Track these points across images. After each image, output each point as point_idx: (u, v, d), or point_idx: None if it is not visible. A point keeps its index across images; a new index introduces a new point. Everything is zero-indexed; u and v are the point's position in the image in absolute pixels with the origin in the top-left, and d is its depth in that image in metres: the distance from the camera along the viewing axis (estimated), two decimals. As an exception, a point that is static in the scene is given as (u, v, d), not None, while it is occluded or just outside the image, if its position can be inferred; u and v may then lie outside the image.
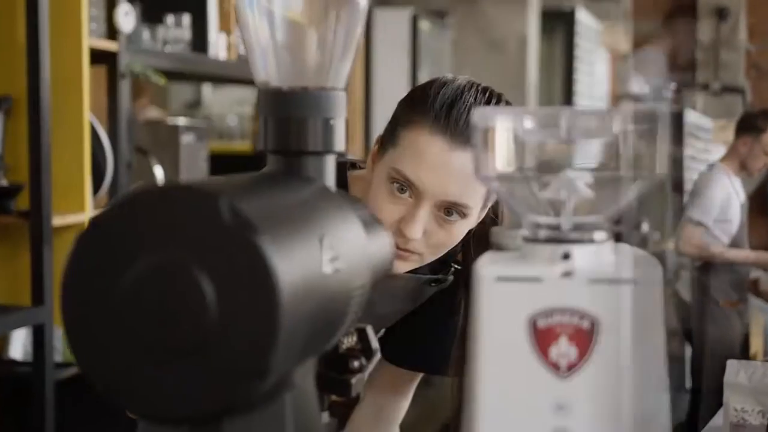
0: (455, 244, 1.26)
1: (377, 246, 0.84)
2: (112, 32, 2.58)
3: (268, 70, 0.82)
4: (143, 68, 2.61)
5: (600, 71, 8.55)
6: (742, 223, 4.35)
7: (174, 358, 0.60)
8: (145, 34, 2.84)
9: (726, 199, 4.24)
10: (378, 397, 1.50)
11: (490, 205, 1.29)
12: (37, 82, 2.29)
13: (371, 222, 0.85)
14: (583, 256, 0.69)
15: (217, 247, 0.60)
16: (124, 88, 2.60)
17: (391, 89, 3.95)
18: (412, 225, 1.20)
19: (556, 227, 0.71)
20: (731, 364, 1.98)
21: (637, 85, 4.98)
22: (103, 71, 2.59)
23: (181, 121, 3.06)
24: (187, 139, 2.91)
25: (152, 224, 0.62)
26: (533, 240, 0.71)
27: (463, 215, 1.21)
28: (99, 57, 2.55)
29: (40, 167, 2.28)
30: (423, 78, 6.18)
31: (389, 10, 5.60)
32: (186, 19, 2.94)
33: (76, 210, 2.45)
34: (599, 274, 0.68)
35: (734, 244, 4.29)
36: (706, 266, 4.31)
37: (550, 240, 0.70)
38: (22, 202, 2.34)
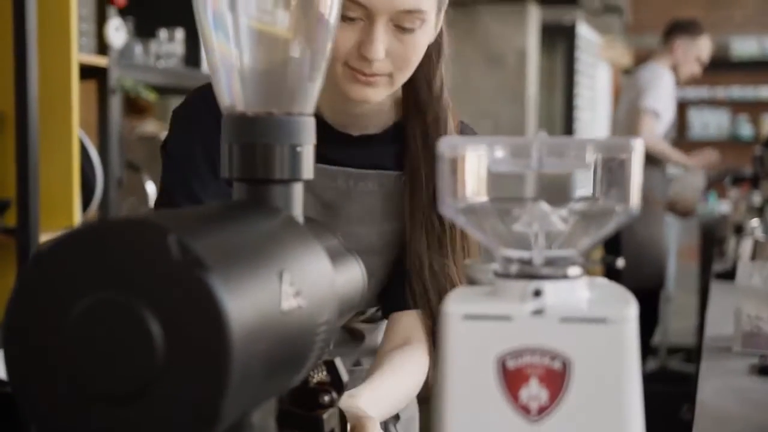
0: (420, 56, 1.21)
1: (346, 277, 0.80)
2: (102, 47, 2.55)
3: (233, 94, 0.79)
4: (134, 84, 2.58)
5: (601, 84, 8.53)
6: (673, 122, 4.52)
7: (118, 402, 0.57)
8: (138, 48, 2.82)
9: (669, 92, 4.33)
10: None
11: (444, 8, 1.26)
12: (26, 97, 2.27)
13: (340, 252, 0.82)
14: (555, 292, 0.66)
15: (165, 285, 0.57)
16: (115, 103, 2.57)
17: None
18: (371, 45, 1.16)
19: (528, 261, 0.68)
20: (743, 266, 1.87)
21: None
22: (93, 86, 2.56)
23: (175, 136, 3.02)
24: (180, 154, 2.88)
25: (98, 260, 0.59)
26: (504, 275, 0.68)
27: (420, 21, 1.17)
28: (89, 72, 2.53)
29: (28, 183, 2.25)
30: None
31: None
32: (179, 33, 2.92)
33: (65, 227, 2.42)
34: (571, 312, 0.64)
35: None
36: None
37: (521, 275, 0.67)
38: (9, 218, 2.31)
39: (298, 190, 0.78)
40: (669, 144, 4.45)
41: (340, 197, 1.28)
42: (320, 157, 1.23)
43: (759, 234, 2.85)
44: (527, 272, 0.67)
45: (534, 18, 5.39)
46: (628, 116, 4.41)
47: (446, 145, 0.68)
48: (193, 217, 0.67)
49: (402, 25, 1.17)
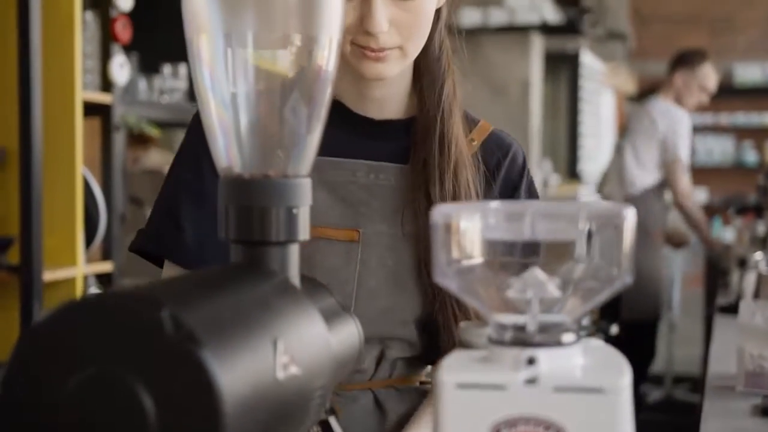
0: (428, 23, 1.16)
1: (341, 338, 0.81)
2: (106, 84, 2.57)
3: (230, 156, 0.80)
4: (137, 120, 2.59)
5: (605, 111, 8.55)
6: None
7: (111, 477, 0.57)
8: (142, 84, 2.83)
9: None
10: None
11: None
12: (30, 134, 2.28)
13: (335, 312, 0.82)
14: (549, 360, 0.66)
15: (158, 360, 0.58)
16: (118, 140, 2.58)
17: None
18: (372, 18, 1.11)
19: (522, 328, 0.68)
20: (745, 305, 1.85)
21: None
22: (97, 123, 2.57)
23: (178, 170, 3.03)
24: (183, 188, 2.88)
25: (92, 334, 0.59)
26: (498, 342, 0.68)
27: None
28: (93, 109, 2.54)
29: (31, 221, 2.26)
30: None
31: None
32: (183, 69, 2.94)
33: (68, 264, 2.43)
34: (565, 381, 0.64)
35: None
36: (643, 196, 4.32)
37: (515, 342, 0.67)
38: (13, 256, 2.32)
39: (294, 251, 0.79)
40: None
41: (361, 191, 1.22)
42: (340, 146, 1.23)
43: (763, 268, 2.85)
44: (521, 339, 0.67)
45: (537, 47, 5.41)
46: (661, 166, 4.37)
47: (439, 213, 0.68)
48: (187, 285, 0.67)
49: None
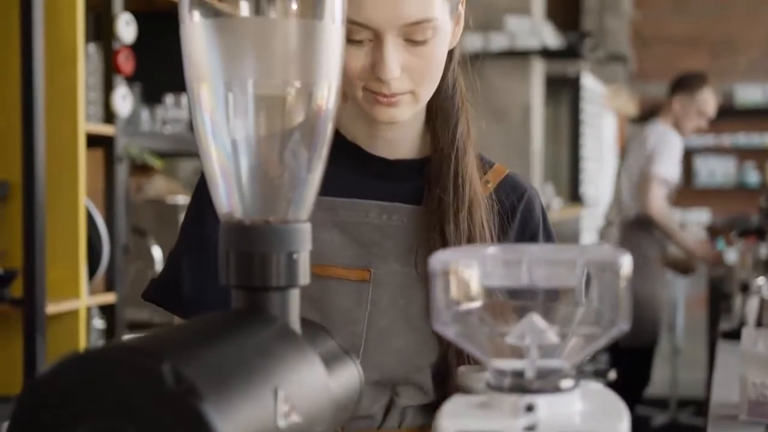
0: (441, 67, 1.15)
1: (341, 382, 0.81)
2: (109, 115, 2.58)
3: (231, 202, 0.80)
4: (140, 151, 2.61)
5: (607, 134, 8.57)
6: (678, 183, 4.49)
7: None
8: (144, 114, 2.85)
9: (678, 157, 4.36)
10: None
11: (461, 6, 1.19)
12: (33, 167, 2.29)
13: (336, 355, 0.83)
14: (548, 406, 0.66)
15: (159, 414, 0.58)
16: (121, 171, 2.60)
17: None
18: (384, 65, 1.10)
19: (521, 373, 0.68)
20: (747, 333, 1.84)
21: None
22: (100, 154, 2.59)
23: (182, 199, 3.05)
24: (186, 217, 2.90)
25: (93, 388, 0.59)
26: (497, 388, 0.68)
27: (432, 31, 1.11)
28: (96, 140, 2.56)
29: (35, 254, 2.27)
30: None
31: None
32: (185, 98, 2.95)
33: (71, 296, 2.43)
34: (565, 428, 0.65)
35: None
36: (639, 221, 4.31)
37: (514, 389, 0.67)
38: (16, 289, 2.33)
39: (294, 296, 0.79)
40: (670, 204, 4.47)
41: (373, 232, 1.21)
42: (353, 187, 1.23)
43: (766, 293, 2.84)
44: (519, 386, 0.67)
45: (538, 72, 5.43)
46: (639, 179, 4.42)
47: (438, 260, 0.69)
48: (188, 335, 0.68)
49: (413, 38, 1.11)
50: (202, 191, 1.23)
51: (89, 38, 2.62)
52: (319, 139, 0.81)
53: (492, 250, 0.71)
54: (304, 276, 0.79)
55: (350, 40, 1.11)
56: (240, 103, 0.79)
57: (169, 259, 1.25)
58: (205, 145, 0.80)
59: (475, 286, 0.69)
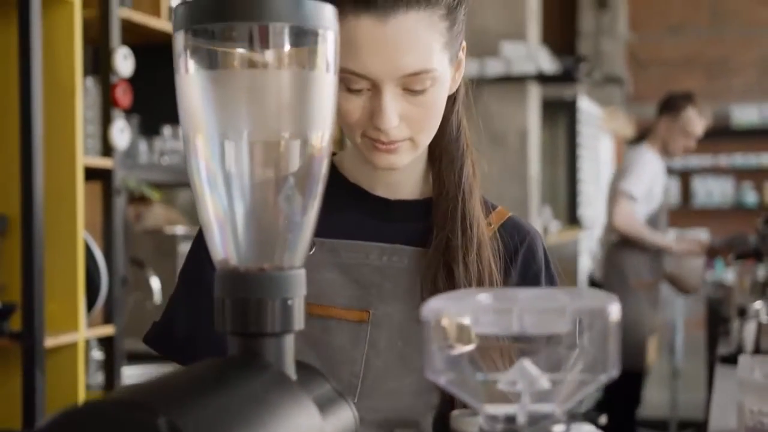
0: (440, 114, 1.16)
1: (336, 426, 0.82)
2: (107, 148, 2.60)
3: (226, 249, 0.82)
4: (138, 183, 2.62)
5: (604, 155, 8.60)
6: (662, 205, 4.42)
7: None
8: (142, 146, 2.87)
9: (653, 176, 4.32)
10: None
11: (461, 53, 1.19)
12: (31, 201, 2.31)
13: (331, 399, 0.84)
14: (540, 452, 0.67)
15: (155, 468, 0.59)
16: (119, 204, 2.61)
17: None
18: (382, 115, 1.10)
19: (512, 419, 0.69)
20: (744, 360, 1.84)
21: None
22: (98, 187, 2.60)
23: (180, 229, 3.06)
24: (185, 248, 2.91)
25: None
26: (490, 434, 0.69)
27: (431, 80, 1.12)
28: (94, 173, 2.57)
29: (33, 289, 2.28)
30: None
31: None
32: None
33: (70, 329, 2.44)
34: (556, 474, 0.66)
35: (651, 224, 4.33)
36: (622, 243, 4.29)
37: (506, 435, 0.68)
38: (15, 322, 2.33)
39: (289, 341, 0.80)
40: (648, 226, 4.43)
41: (374, 274, 1.21)
42: (354, 228, 1.24)
43: (763, 317, 2.85)
44: (512, 431, 0.68)
45: (534, 96, 5.46)
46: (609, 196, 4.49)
47: (430, 309, 0.70)
48: (184, 385, 0.68)
49: (411, 88, 1.12)
50: (200, 238, 1.25)
51: (87, 72, 2.64)
52: (313, 184, 0.83)
53: (483, 297, 0.72)
54: (298, 321, 0.80)
55: (349, 89, 1.12)
56: (235, 152, 0.80)
57: (168, 304, 1.27)
58: (201, 193, 0.81)
59: (466, 334, 0.70)
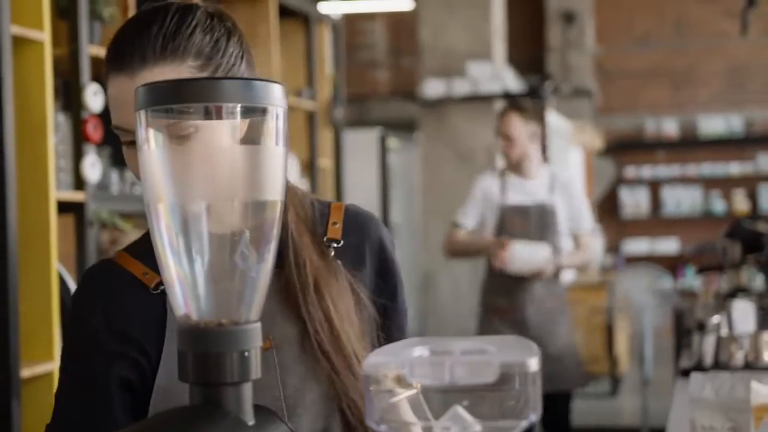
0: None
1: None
2: (79, 182, 2.66)
3: (187, 305, 0.89)
4: (110, 215, 2.68)
5: (574, 168, 8.71)
6: (499, 224, 4.05)
7: None
8: (114, 176, 2.93)
9: (483, 199, 4.03)
10: None
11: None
12: (5, 235, 2.36)
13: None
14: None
15: None
16: (92, 235, 2.67)
17: (363, 206, 4.02)
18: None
19: (448, 461, 0.77)
20: (695, 377, 1.92)
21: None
22: (71, 220, 2.66)
23: (152, 256, 3.11)
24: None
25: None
26: (426, 476, 0.77)
27: (195, 128, 1.08)
28: (67, 206, 2.63)
29: (8, 320, 2.33)
30: (394, 194, 6.35)
31: (359, 131, 5.77)
32: (154, 159, 3.03)
33: (45, 359, 2.50)
34: None
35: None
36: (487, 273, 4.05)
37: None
38: (-11, 354, 2.39)
39: (247, 389, 0.88)
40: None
41: None
42: None
43: (723, 331, 2.93)
44: (446, 473, 0.76)
45: (501, 113, 5.56)
46: None
47: (369, 365, 0.77)
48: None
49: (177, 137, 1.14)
50: (84, 320, 1.24)
51: (58, 108, 2.70)
52: (267, 242, 0.90)
53: (418, 351, 0.80)
54: (255, 370, 0.88)
55: (125, 143, 1.18)
56: (193, 217, 0.88)
57: (57, 403, 1.24)
58: (162, 255, 0.88)
59: (403, 386, 0.78)
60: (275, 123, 0.88)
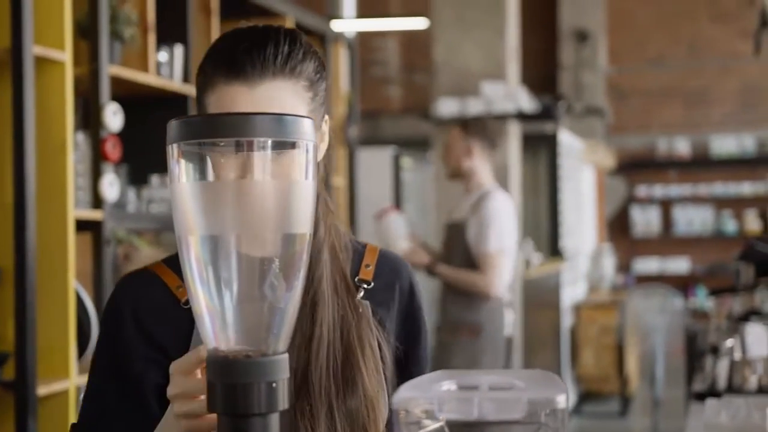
0: None
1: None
2: (97, 201, 2.68)
3: (216, 338, 0.90)
4: (127, 234, 2.70)
5: (586, 187, 8.71)
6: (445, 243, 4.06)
7: None
8: (131, 195, 2.95)
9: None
10: None
11: (324, 125, 1.26)
12: (24, 253, 2.38)
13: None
14: None
15: None
16: (109, 253, 2.69)
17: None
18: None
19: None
20: (711, 404, 1.92)
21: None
22: (88, 238, 2.68)
23: (167, 273, 3.13)
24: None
25: None
26: None
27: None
28: (84, 225, 2.65)
29: (26, 338, 2.35)
30: (408, 211, 6.34)
31: (372, 149, 5.78)
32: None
33: (61, 377, 2.51)
34: None
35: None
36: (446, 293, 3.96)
37: None
38: (8, 371, 2.40)
39: (274, 420, 0.89)
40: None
41: None
42: None
43: (736, 355, 2.91)
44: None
45: (515, 133, 5.57)
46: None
47: (398, 399, 0.78)
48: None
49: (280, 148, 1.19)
50: (112, 328, 1.26)
51: (78, 127, 2.72)
52: (295, 273, 0.91)
53: (446, 386, 0.81)
54: (282, 401, 0.89)
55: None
56: (224, 250, 0.89)
57: (86, 403, 1.26)
58: (193, 288, 0.90)
59: (432, 420, 0.79)
60: (305, 157, 0.89)
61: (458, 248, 3.90)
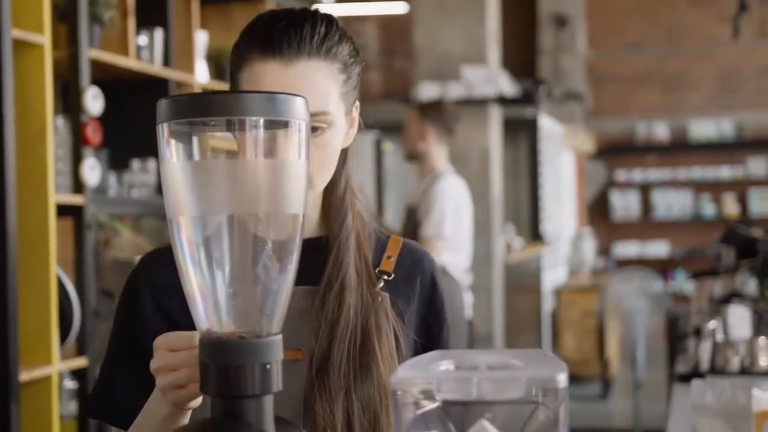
0: (335, 159, 1.22)
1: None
2: (78, 185, 2.65)
3: (209, 319, 0.89)
4: (108, 219, 2.68)
5: (566, 171, 8.74)
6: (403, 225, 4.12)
7: None
8: (112, 179, 2.92)
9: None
10: None
11: (355, 111, 1.27)
12: (5, 239, 2.35)
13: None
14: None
15: None
16: (90, 238, 2.66)
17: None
18: None
19: (472, 475, 0.77)
20: (696, 385, 1.92)
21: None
22: (69, 223, 2.65)
23: (149, 259, 3.10)
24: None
25: None
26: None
27: (329, 125, 1.19)
28: (65, 209, 2.63)
29: (8, 324, 2.32)
30: (389, 196, 6.35)
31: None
32: (152, 163, 3.03)
33: (44, 363, 2.49)
34: None
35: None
36: None
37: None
38: (-12, 358, 2.38)
39: (268, 402, 0.88)
40: None
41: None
42: None
43: (719, 336, 2.93)
44: (471, 488, 0.76)
45: (495, 117, 5.56)
46: None
47: (396, 379, 0.77)
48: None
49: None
50: (130, 297, 1.27)
51: (58, 111, 2.69)
52: (288, 254, 0.90)
53: (444, 366, 0.80)
54: (276, 383, 0.88)
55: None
56: (215, 230, 0.87)
57: (104, 371, 1.27)
58: (185, 269, 0.88)
59: (430, 400, 0.78)
60: (298, 136, 0.88)
61: (411, 231, 3.91)
